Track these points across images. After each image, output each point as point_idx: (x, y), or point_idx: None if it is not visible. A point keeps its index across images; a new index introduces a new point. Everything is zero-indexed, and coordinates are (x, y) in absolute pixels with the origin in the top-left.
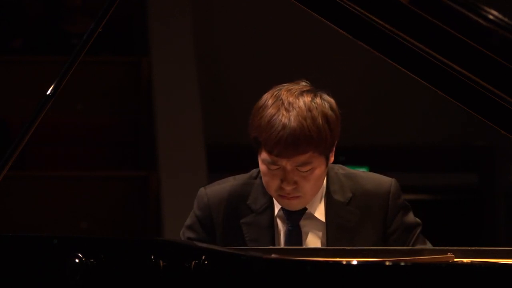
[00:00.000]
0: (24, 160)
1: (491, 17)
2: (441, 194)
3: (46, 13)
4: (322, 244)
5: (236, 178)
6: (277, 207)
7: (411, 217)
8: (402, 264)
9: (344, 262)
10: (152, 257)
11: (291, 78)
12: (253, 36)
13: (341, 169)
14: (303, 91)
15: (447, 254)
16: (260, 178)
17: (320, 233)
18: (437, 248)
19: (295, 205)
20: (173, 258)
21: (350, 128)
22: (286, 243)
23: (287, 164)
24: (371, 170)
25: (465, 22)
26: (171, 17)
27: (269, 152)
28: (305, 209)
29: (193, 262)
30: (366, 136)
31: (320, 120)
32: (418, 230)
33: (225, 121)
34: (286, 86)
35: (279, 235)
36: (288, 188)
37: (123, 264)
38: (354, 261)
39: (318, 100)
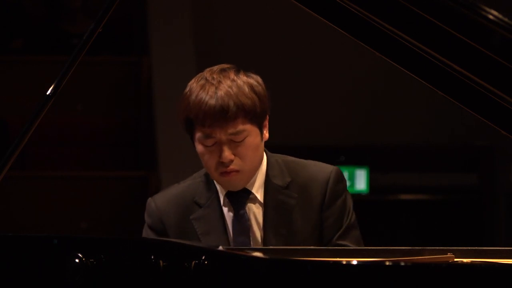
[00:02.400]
0: (24, 160)
1: (491, 17)
2: (441, 194)
3: (46, 13)
4: (261, 226)
5: (180, 182)
6: (222, 197)
7: (348, 208)
8: (402, 264)
9: (344, 262)
10: (152, 257)
11: (291, 78)
12: (253, 36)
13: (282, 157)
14: (225, 68)
15: (447, 254)
16: (204, 175)
17: (261, 216)
18: (437, 248)
19: (236, 182)
20: (173, 258)
21: (350, 128)
22: (233, 230)
23: (221, 134)
24: (371, 170)
25: (465, 22)
26: (171, 17)
27: (202, 126)
28: (249, 193)
29: (193, 262)
30: (366, 136)
31: (246, 88)
32: (350, 222)
33: None
34: (207, 68)
35: (229, 225)
36: (226, 160)
37: (123, 264)
38: (354, 261)
39: (242, 75)
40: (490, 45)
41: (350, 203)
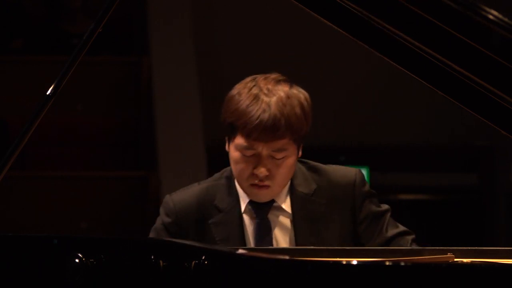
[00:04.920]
0: (24, 160)
1: (491, 17)
2: (441, 194)
3: (46, 13)
4: (290, 236)
5: (200, 182)
6: (243, 204)
7: (378, 204)
8: (402, 264)
9: (344, 262)
10: (152, 257)
11: (291, 78)
12: (253, 36)
13: (303, 163)
14: (280, 80)
15: (447, 254)
16: (225, 178)
17: (289, 226)
18: (437, 248)
19: (264, 196)
20: (173, 258)
21: (350, 128)
22: (255, 237)
23: (264, 149)
24: (371, 170)
25: (465, 22)
26: (171, 17)
27: (247, 136)
28: (273, 201)
29: (193, 262)
30: (366, 136)
31: (297, 108)
32: (388, 215)
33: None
34: (260, 75)
35: (248, 231)
36: (261, 174)
37: (123, 264)
38: (354, 261)
39: (294, 90)
40: (490, 45)
41: (377, 203)
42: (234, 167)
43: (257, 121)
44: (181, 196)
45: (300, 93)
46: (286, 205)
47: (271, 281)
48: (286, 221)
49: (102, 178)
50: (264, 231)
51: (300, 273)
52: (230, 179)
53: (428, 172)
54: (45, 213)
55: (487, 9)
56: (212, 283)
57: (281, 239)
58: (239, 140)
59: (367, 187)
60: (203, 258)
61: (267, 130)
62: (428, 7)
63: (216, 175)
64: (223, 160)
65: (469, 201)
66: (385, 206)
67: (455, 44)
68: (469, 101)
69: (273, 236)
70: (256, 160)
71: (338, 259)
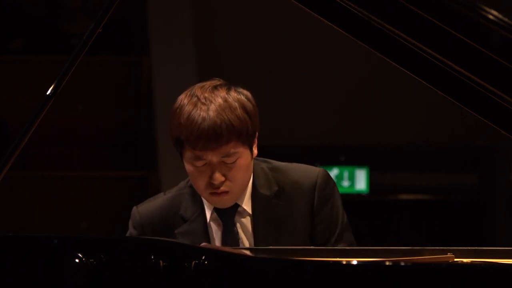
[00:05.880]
0: (24, 160)
1: (491, 17)
2: (441, 194)
3: (46, 13)
4: (252, 238)
5: (166, 192)
6: (208, 212)
7: (337, 210)
8: (402, 264)
9: (344, 262)
10: (152, 257)
11: (291, 78)
12: (253, 36)
13: (266, 163)
14: (216, 85)
15: (447, 254)
16: (190, 187)
17: (250, 228)
18: (437, 248)
19: (226, 201)
20: (173, 258)
21: (350, 128)
22: (223, 242)
23: (213, 157)
24: (371, 170)
25: (465, 22)
26: (171, 17)
27: (193, 148)
28: (237, 205)
29: (193, 262)
30: (366, 136)
31: (238, 110)
32: (344, 233)
33: None
34: (198, 84)
35: (216, 238)
36: (216, 182)
37: (123, 264)
38: (354, 261)
39: (233, 92)
40: (490, 45)
41: (339, 204)
42: (191, 180)
43: (197, 132)
44: (147, 208)
45: (240, 94)
46: (248, 207)
47: (271, 281)
48: (249, 223)
49: (102, 178)
50: (231, 237)
51: (300, 273)
52: (194, 188)
53: (428, 172)
54: (45, 213)
55: (487, 9)
56: (212, 283)
57: (246, 242)
58: (188, 153)
59: (329, 189)
60: (203, 258)
61: (210, 139)
62: (428, 7)
63: (181, 184)
64: None
65: (469, 201)
66: (344, 218)
67: (455, 44)
68: (469, 101)
69: (241, 240)
70: (209, 169)
71: (338, 259)
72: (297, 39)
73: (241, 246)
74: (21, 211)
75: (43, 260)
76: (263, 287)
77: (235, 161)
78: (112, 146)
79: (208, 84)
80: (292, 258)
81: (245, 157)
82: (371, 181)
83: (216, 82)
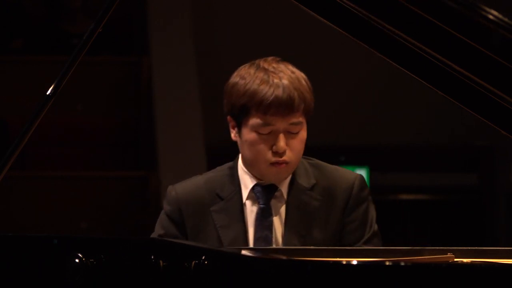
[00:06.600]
0: (24, 160)
1: (491, 17)
2: (441, 194)
3: (46, 13)
4: (282, 223)
5: (203, 174)
6: (245, 192)
7: (372, 215)
8: (402, 264)
9: (344, 262)
10: (152, 257)
11: None
12: (253, 36)
13: (307, 159)
14: (278, 60)
15: (447, 254)
16: (228, 168)
17: (284, 213)
18: (437, 248)
19: (283, 173)
20: (173, 258)
21: (350, 128)
22: (257, 223)
23: (282, 123)
24: (371, 170)
25: (465, 22)
26: (171, 17)
27: (264, 113)
28: (276, 189)
29: (193, 262)
30: (366, 136)
31: (303, 81)
32: (374, 238)
33: (225, 121)
34: (257, 60)
35: (249, 218)
36: (281, 150)
37: (123, 264)
38: (354, 261)
39: (294, 68)
40: (490, 45)
41: (373, 212)
42: (251, 150)
43: (272, 97)
44: (183, 186)
45: (300, 71)
46: (285, 193)
47: (271, 281)
48: (283, 209)
49: (102, 178)
50: (265, 218)
51: (300, 273)
52: (232, 169)
53: (428, 172)
54: (45, 213)
55: (487, 9)
56: (212, 283)
57: (278, 226)
58: (255, 120)
59: (364, 193)
60: (203, 258)
61: (283, 105)
62: (428, 7)
63: (218, 167)
64: (223, 160)
65: (469, 201)
66: (375, 225)
67: (455, 44)
68: (469, 101)
69: (273, 223)
70: (273, 137)
71: (338, 259)
72: (297, 39)
73: (273, 228)
74: (21, 211)
75: (43, 260)
76: (263, 287)
77: (299, 132)
78: (112, 146)
79: (270, 58)
80: (292, 258)
81: (304, 130)
82: (371, 181)
83: (276, 58)
